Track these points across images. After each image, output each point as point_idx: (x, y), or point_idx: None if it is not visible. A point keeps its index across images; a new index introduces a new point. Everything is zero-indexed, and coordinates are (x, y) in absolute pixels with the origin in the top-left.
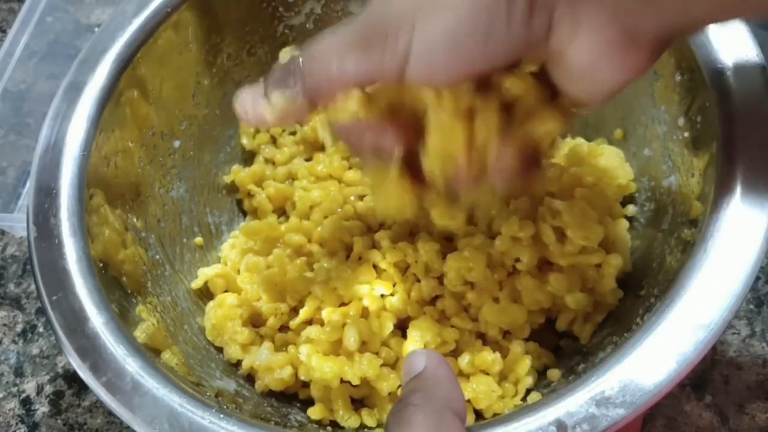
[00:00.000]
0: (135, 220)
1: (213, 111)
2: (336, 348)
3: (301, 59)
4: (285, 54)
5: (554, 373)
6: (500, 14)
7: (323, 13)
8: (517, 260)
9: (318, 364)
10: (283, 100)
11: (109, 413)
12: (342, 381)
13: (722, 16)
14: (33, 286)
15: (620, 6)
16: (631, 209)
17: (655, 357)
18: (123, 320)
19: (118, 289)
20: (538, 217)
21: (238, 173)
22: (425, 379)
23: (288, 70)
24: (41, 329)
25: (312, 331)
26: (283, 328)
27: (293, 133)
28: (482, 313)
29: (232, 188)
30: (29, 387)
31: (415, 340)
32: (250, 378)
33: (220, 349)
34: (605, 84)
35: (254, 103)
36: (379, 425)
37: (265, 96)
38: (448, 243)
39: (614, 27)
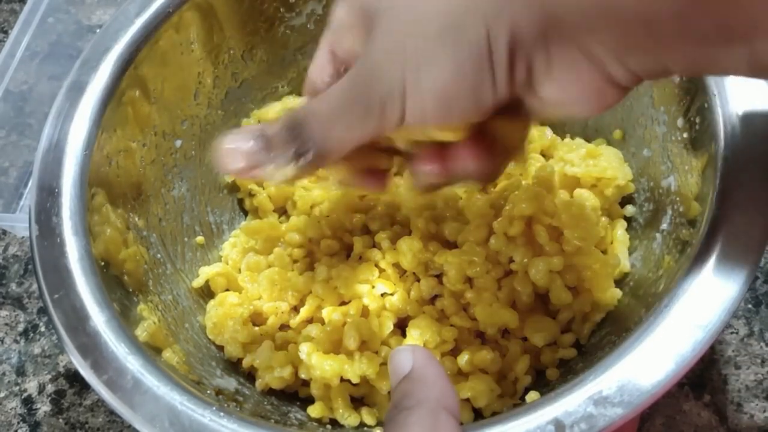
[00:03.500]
0: (136, 219)
1: (214, 111)
2: (336, 347)
3: (307, 123)
4: (272, 112)
5: (553, 373)
6: (485, 75)
7: (324, 13)
8: (512, 260)
9: (318, 363)
10: (295, 171)
11: (111, 412)
12: (342, 379)
13: (695, 73)
14: (35, 286)
15: (603, 51)
16: (630, 209)
17: (654, 357)
18: (124, 319)
19: (120, 288)
20: (534, 218)
21: None
22: (415, 380)
23: (293, 134)
24: (43, 329)
25: (312, 329)
26: (284, 326)
27: None
28: (476, 313)
29: (233, 187)
30: (31, 386)
31: (415, 339)
32: (251, 376)
33: (220, 348)
34: (575, 116)
35: (250, 162)
36: (378, 424)
37: (270, 159)
38: (449, 243)
39: (593, 73)
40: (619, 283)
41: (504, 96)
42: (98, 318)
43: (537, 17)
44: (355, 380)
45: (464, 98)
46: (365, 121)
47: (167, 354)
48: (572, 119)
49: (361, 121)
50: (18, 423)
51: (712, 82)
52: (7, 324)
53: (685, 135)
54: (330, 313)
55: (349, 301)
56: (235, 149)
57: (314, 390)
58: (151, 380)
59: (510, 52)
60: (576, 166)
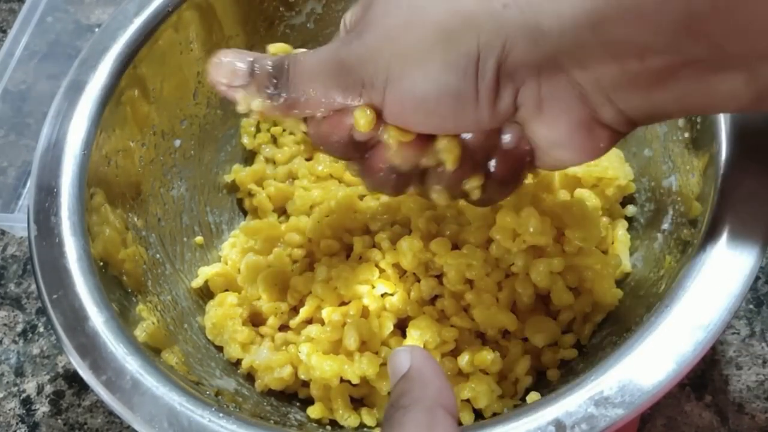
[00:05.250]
0: (135, 219)
1: (214, 110)
2: (336, 347)
3: (289, 71)
4: (274, 49)
5: (553, 373)
6: (468, 92)
7: (324, 12)
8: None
9: (318, 363)
10: (262, 107)
11: (110, 413)
12: (342, 380)
13: (693, 111)
14: (33, 286)
15: (594, 87)
16: (631, 209)
17: (655, 357)
18: (123, 319)
19: (119, 288)
20: None
21: (238, 172)
22: (412, 379)
23: (275, 74)
24: (41, 329)
25: (312, 330)
26: (283, 327)
27: (294, 133)
28: (475, 314)
29: (233, 187)
30: (30, 387)
31: (415, 340)
32: (250, 377)
33: (220, 348)
34: (570, 162)
35: (231, 81)
36: (378, 425)
37: (246, 87)
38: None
39: (582, 111)
40: (620, 283)
41: (486, 120)
42: (97, 318)
43: (532, 47)
44: (355, 381)
45: (444, 109)
46: (344, 93)
47: (166, 354)
48: (556, 167)
49: (340, 91)
50: (17, 424)
51: None
52: (5, 324)
53: (686, 134)
54: (330, 313)
55: (349, 302)
56: (226, 63)
57: (314, 391)
58: (150, 381)
59: (496, 74)
60: (576, 165)
